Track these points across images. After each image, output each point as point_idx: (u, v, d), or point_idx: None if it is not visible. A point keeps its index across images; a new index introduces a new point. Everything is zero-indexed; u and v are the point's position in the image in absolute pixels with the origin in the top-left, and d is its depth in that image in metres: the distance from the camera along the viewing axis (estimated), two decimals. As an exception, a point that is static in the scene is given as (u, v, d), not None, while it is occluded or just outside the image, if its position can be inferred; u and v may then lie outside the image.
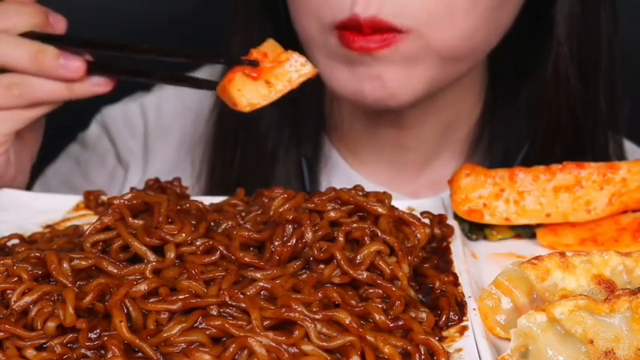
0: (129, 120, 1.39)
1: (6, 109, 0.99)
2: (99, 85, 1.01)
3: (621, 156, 1.26)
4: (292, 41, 1.14)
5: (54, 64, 0.98)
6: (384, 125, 1.24)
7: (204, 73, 1.36)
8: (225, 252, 0.82)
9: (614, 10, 1.21)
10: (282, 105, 1.24)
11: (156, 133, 1.39)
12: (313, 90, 1.24)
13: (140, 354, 0.72)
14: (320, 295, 0.76)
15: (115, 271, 0.80)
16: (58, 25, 1.02)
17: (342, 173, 1.29)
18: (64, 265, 0.79)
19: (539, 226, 0.99)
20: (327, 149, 1.30)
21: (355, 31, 1.06)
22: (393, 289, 0.79)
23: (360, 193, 0.87)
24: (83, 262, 0.80)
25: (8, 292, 0.77)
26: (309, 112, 1.28)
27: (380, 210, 0.85)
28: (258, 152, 1.27)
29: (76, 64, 0.99)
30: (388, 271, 0.80)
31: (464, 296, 0.82)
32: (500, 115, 1.28)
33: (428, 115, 1.23)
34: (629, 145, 1.33)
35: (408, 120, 1.23)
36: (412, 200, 1.07)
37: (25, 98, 0.99)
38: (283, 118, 1.26)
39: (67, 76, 0.99)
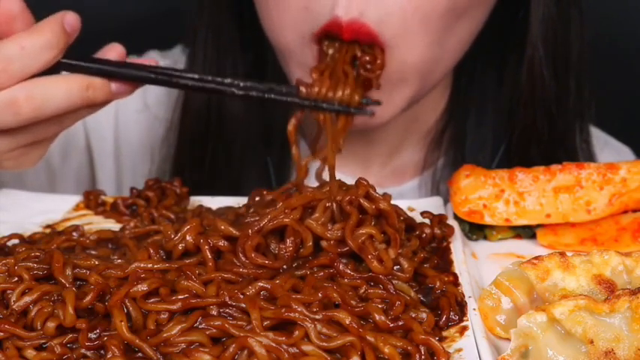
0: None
1: (45, 140, 0.93)
2: (121, 93, 0.93)
3: (589, 149, 1.28)
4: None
5: (106, 95, 0.91)
6: (353, 130, 1.24)
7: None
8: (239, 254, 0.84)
9: (581, 7, 1.21)
10: (250, 105, 1.24)
11: (122, 127, 1.38)
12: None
13: (140, 354, 0.72)
14: (320, 295, 0.76)
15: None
16: (74, 27, 0.90)
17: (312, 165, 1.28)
18: (67, 272, 0.80)
19: (539, 226, 0.99)
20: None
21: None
22: (392, 289, 0.80)
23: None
24: (84, 271, 0.81)
25: (8, 292, 0.77)
26: (276, 111, 1.28)
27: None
28: (227, 153, 1.27)
29: (127, 89, 0.93)
30: (374, 254, 0.81)
31: (464, 296, 0.82)
32: (466, 109, 1.29)
33: None
34: (596, 133, 1.35)
35: None
36: (412, 200, 1.07)
37: (66, 125, 0.93)
38: (251, 118, 1.26)
39: (119, 98, 0.94)
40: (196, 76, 0.95)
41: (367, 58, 1.02)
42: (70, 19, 0.87)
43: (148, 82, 0.94)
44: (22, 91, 0.85)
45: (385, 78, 1.05)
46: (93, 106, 0.91)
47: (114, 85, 0.91)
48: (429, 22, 1.04)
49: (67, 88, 0.87)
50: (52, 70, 0.87)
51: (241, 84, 0.95)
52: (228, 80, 0.95)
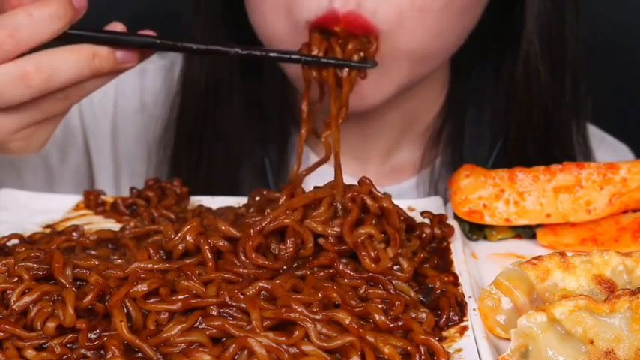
0: (101, 103, 1.38)
1: (52, 118, 0.94)
2: (126, 61, 0.94)
3: (586, 144, 1.28)
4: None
5: (112, 64, 0.92)
6: (349, 117, 1.24)
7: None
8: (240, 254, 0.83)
9: (576, 3, 1.21)
10: (247, 104, 1.24)
11: (120, 124, 1.39)
12: (278, 85, 1.24)
13: (140, 354, 0.72)
14: (320, 295, 0.76)
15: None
16: (81, 4, 0.91)
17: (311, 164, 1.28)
18: (67, 272, 0.80)
19: (539, 226, 0.99)
20: (296, 139, 1.30)
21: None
22: (392, 289, 0.80)
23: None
24: (84, 271, 0.81)
25: (8, 292, 0.77)
26: (273, 110, 1.28)
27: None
28: (224, 154, 1.27)
29: (132, 57, 0.94)
30: (372, 255, 0.82)
31: (464, 296, 0.82)
32: (463, 107, 1.30)
33: (390, 108, 1.23)
34: (593, 130, 1.35)
35: (372, 112, 1.23)
36: (412, 200, 1.07)
37: (74, 100, 0.94)
38: (248, 117, 1.26)
39: (125, 68, 0.95)
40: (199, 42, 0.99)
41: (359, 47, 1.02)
42: None
43: (152, 47, 0.95)
44: (32, 63, 0.87)
45: (378, 60, 1.04)
46: (100, 76, 0.93)
47: (119, 54, 0.93)
48: (426, 14, 1.04)
49: (75, 58, 0.89)
50: (59, 44, 0.89)
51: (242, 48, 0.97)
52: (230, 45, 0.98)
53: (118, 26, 0.95)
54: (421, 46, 1.07)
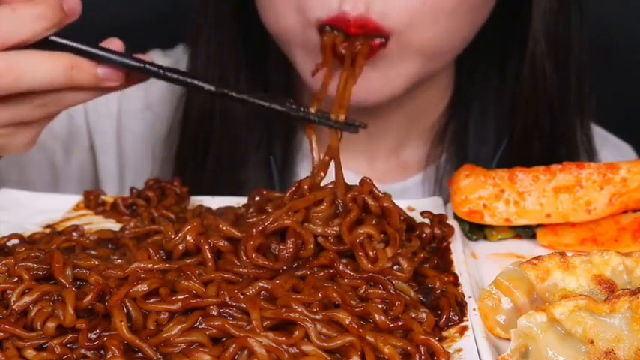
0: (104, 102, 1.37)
1: (30, 123, 0.91)
2: (109, 79, 0.91)
3: (590, 144, 1.28)
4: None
5: (91, 78, 0.89)
6: (355, 115, 1.24)
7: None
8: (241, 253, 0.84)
9: (580, 3, 1.22)
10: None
11: (123, 122, 1.39)
12: (283, 83, 1.24)
13: (140, 354, 0.72)
14: (320, 295, 0.76)
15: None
16: (73, 10, 0.89)
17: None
18: (67, 272, 0.80)
19: (539, 226, 0.99)
20: (301, 138, 1.30)
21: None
22: (392, 289, 0.80)
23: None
24: (84, 271, 0.81)
25: (8, 292, 0.77)
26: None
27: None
28: (230, 153, 1.27)
29: (116, 75, 0.91)
30: (371, 255, 0.82)
31: (464, 296, 0.82)
32: (468, 105, 1.31)
33: (395, 108, 1.24)
34: (596, 130, 1.36)
35: (378, 112, 1.24)
36: (412, 200, 1.07)
37: (52, 110, 0.91)
38: (253, 116, 1.27)
39: (108, 86, 0.91)
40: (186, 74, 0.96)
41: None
42: (70, 1, 0.88)
43: (134, 69, 0.92)
44: (4, 60, 0.85)
45: (386, 55, 1.06)
46: (77, 89, 0.90)
47: (101, 70, 0.90)
48: (438, 14, 1.06)
49: (51, 64, 0.87)
50: (44, 49, 0.87)
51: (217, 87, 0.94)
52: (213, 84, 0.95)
53: (113, 43, 0.92)
54: (434, 44, 1.09)
